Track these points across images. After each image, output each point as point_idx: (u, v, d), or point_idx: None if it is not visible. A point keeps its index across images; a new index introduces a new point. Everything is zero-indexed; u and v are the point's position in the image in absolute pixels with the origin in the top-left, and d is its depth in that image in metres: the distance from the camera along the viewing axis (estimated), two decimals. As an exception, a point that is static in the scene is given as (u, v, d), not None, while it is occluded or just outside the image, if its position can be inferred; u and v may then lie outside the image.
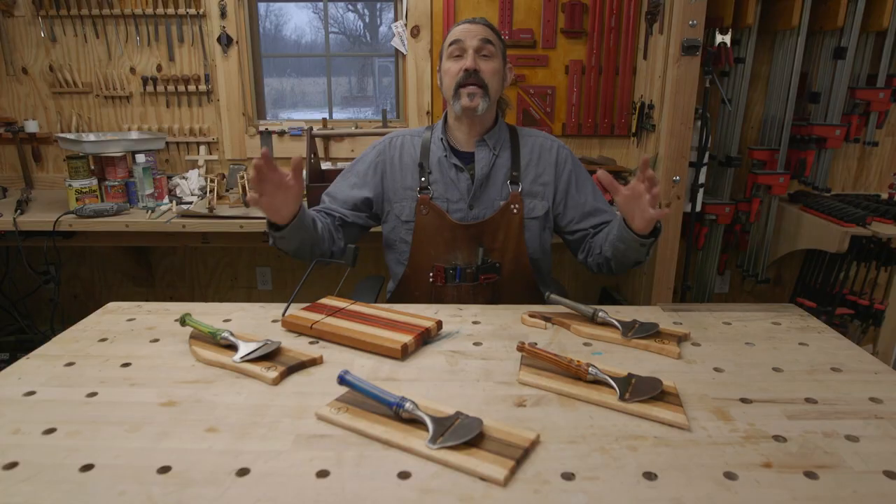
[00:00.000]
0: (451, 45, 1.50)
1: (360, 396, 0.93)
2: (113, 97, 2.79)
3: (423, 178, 1.55)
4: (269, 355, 1.08)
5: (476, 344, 1.18)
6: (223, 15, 2.67)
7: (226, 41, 2.70)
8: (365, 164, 1.63)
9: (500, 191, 1.55)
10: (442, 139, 1.57)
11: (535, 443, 0.83)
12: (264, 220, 2.23)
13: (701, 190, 2.57)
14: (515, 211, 1.53)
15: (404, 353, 1.11)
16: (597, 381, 0.98)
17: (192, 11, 2.67)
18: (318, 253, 1.47)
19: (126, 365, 1.09)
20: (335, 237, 1.54)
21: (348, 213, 1.60)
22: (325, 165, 2.67)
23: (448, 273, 1.55)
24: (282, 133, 2.83)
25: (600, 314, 1.25)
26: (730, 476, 0.77)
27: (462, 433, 0.82)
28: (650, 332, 1.18)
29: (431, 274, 1.56)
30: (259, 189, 1.23)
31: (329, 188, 1.67)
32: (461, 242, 1.54)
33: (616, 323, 1.22)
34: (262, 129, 2.82)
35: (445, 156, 1.55)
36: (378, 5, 3.01)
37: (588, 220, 1.60)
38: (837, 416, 0.91)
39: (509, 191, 1.54)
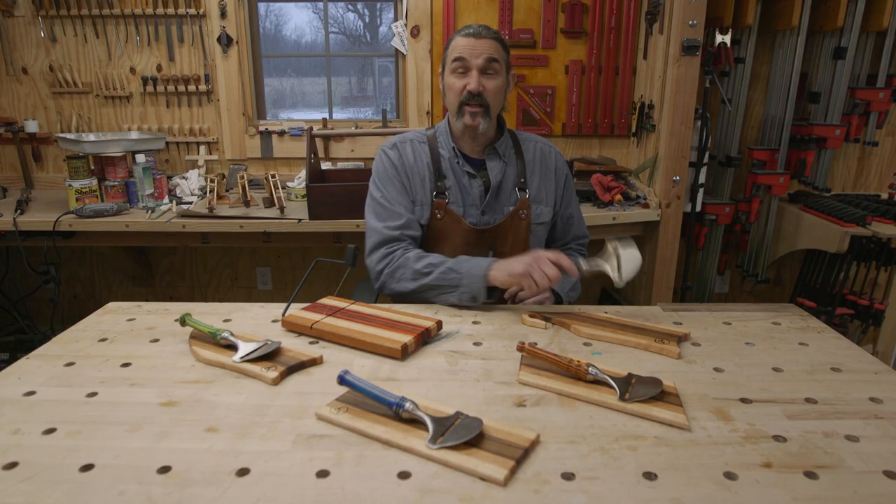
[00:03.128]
0: (455, 60, 1.46)
1: (360, 396, 0.93)
2: (113, 97, 2.79)
3: (439, 183, 1.56)
4: (269, 355, 1.08)
5: (476, 344, 1.18)
6: (223, 15, 2.67)
7: (226, 41, 2.70)
8: (390, 172, 1.56)
9: (510, 197, 1.58)
10: (454, 147, 1.57)
11: (535, 443, 0.83)
12: (263, 220, 2.26)
13: (701, 190, 2.57)
14: (523, 216, 1.57)
15: (404, 353, 1.11)
16: (597, 381, 0.98)
17: (192, 11, 2.67)
18: None
19: (126, 365, 1.09)
20: None
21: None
22: (325, 165, 2.67)
23: None
24: (282, 133, 2.83)
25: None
26: (730, 476, 0.77)
27: (462, 433, 0.82)
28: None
29: None
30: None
31: (384, 213, 1.52)
32: (472, 246, 1.56)
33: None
34: (262, 128, 2.82)
35: (458, 162, 1.57)
36: (378, 5, 3.01)
37: (569, 230, 1.71)
38: (837, 416, 0.91)
39: (518, 197, 1.57)
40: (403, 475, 0.77)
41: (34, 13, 2.67)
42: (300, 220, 2.25)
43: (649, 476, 0.77)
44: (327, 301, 1.35)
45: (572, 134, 2.83)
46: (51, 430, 0.87)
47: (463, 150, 1.58)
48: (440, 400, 0.93)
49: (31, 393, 0.98)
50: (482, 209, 1.56)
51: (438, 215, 1.55)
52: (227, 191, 2.68)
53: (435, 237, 1.57)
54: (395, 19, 2.80)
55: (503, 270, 1.33)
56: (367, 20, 3.23)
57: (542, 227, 1.62)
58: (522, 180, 1.58)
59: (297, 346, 1.15)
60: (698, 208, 2.59)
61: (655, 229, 2.50)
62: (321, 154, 2.82)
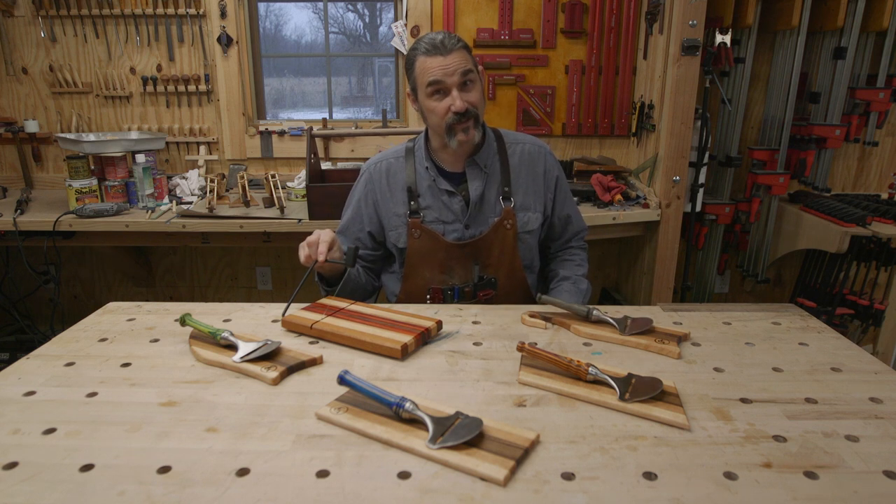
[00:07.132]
0: (429, 85, 1.40)
1: (360, 396, 0.93)
2: (113, 97, 2.79)
3: (412, 202, 1.52)
4: (269, 355, 1.08)
5: (476, 344, 1.18)
6: (223, 15, 2.67)
7: (226, 41, 2.70)
8: (356, 197, 1.61)
9: (494, 207, 1.53)
10: (427, 167, 1.53)
11: (535, 443, 0.83)
12: (263, 220, 2.26)
13: (701, 190, 2.57)
14: (509, 227, 1.52)
15: (404, 353, 1.11)
16: (597, 381, 0.98)
17: (192, 11, 2.67)
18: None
19: (126, 365, 1.09)
20: (370, 278, 1.64)
21: (363, 253, 1.61)
22: (325, 165, 2.67)
23: (446, 294, 1.53)
24: (282, 133, 2.83)
25: (594, 313, 1.25)
26: (730, 476, 0.77)
27: (462, 433, 0.82)
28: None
29: (428, 297, 1.54)
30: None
31: (339, 225, 1.64)
32: (456, 262, 1.53)
33: (611, 320, 1.23)
34: (262, 128, 2.82)
35: (434, 180, 1.52)
36: (378, 5, 3.01)
37: (568, 228, 1.67)
38: (837, 416, 0.91)
39: (502, 206, 1.52)
40: (403, 475, 0.77)
41: (34, 13, 2.67)
42: (300, 220, 2.26)
43: (649, 476, 0.77)
44: (327, 301, 1.35)
45: (572, 134, 2.83)
46: (51, 430, 0.87)
47: (442, 165, 1.53)
48: (440, 400, 0.93)
49: (31, 393, 0.98)
50: (465, 223, 1.52)
51: (416, 234, 1.51)
52: (227, 191, 2.68)
53: (415, 256, 1.53)
54: (395, 19, 2.80)
55: None
56: (367, 20, 3.23)
57: (531, 235, 1.57)
58: (507, 189, 1.52)
59: (297, 346, 1.15)
60: (698, 208, 2.59)
61: (655, 229, 2.50)
62: (321, 154, 2.82)
